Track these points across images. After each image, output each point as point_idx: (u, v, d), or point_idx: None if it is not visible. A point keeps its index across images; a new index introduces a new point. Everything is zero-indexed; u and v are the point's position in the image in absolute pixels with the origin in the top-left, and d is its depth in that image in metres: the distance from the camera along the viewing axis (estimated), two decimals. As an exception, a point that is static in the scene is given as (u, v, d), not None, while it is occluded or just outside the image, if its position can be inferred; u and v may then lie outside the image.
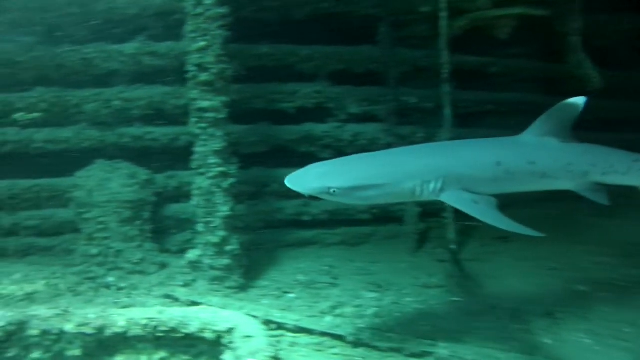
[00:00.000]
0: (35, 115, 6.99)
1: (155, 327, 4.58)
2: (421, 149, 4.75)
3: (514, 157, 4.37)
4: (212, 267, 6.03)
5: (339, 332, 5.04)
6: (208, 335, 4.52)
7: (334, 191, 4.00)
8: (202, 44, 5.70)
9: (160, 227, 6.96)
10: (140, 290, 6.11)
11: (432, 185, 4.15)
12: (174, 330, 4.57)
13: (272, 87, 7.13)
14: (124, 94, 6.83)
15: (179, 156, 6.76)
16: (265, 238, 7.19)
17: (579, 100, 4.42)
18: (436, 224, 7.23)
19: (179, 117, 6.79)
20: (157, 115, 6.98)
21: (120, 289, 6.17)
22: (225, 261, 6.01)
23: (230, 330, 4.42)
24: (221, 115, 5.87)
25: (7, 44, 6.94)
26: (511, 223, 4.05)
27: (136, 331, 4.60)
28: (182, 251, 6.75)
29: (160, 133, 6.97)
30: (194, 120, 5.93)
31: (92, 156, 6.92)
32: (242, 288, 6.10)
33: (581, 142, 4.60)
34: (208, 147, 5.87)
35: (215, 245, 5.98)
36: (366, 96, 7.27)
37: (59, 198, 7.05)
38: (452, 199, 4.21)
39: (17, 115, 6.98)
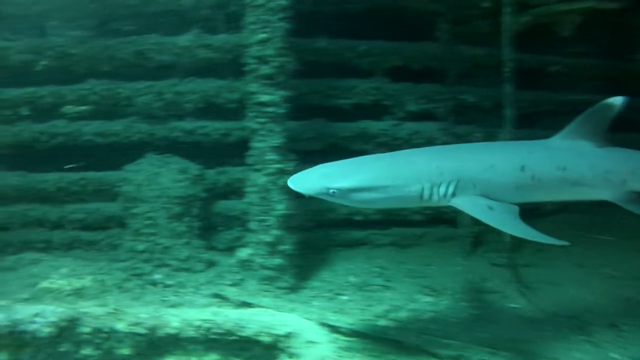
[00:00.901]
0: (82, 108, 6.91)
1: (209, 328, 4.44)
2: (436, 150, 4.40)
3: (542, 162, 4.05)
4: (263, 267, 5.87)
5: (396, 337, 4.85)
6: (264, 338, 4.36)
7: (334, 192, 3.86)
8: (263, 36, 5.56)
9: (208, 223, 6.80)
10: (188, 288, 5.98)
11: (442, 189, 3.90)
12: (229, 332, 4.43)
13: (329, 82, 6.92)
14: (176, 87, 6.68)
15: (229, 152, 6.72)
16: (315, 237, 6.97)
17: (616, 101, 4.01)
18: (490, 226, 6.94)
19: (232, 111, 6.64)
20: (211, 110, 6.82)
21: (167, 286, 6.04)
22: (278, 261, 5.86)
23: (290, 335, 4.25)
24: (281, 110, 5.73)
25: (60, 37, 6.89)
26: (531, 232, 3.78)
27: (189, 332, 4.47)
28: (229, 249, 6.64)
29: (211, 128, 6.80)
30: (252, 114, 5.79)
31: (141, 150, 6.86)
32: (293, 289, 5.94)
33: (617, 147, 4.25)
34: (266, 142, 5.72)
35: (268, 244, 5.82)
36: (425, 94, 7.03)
37: (105, 192, 6.93)
38: (465, 204, 3.92)
39: (65, 108, 6.91)
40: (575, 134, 4.16)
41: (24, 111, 6.95)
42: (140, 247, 6.33)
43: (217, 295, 5.73)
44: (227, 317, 4.45)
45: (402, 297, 5.83)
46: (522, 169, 3.97)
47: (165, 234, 6.35)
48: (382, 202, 4.03)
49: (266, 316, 4.51)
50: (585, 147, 4.16)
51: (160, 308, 4.77)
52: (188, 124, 6.83)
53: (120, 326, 4.49)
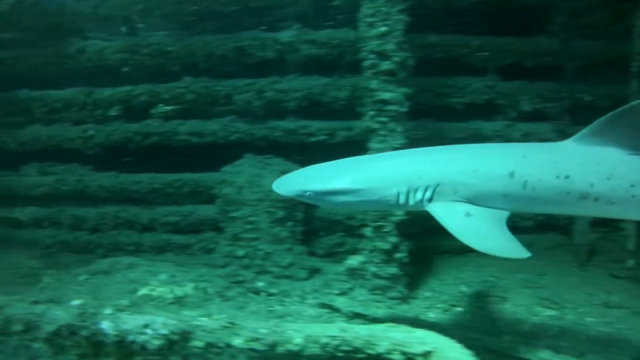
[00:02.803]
0: (169, 108, 6.71)
1: (337, 346, 4.11)
2: (423, 152, 4.01)
3: (538, 168, 3.55)
4: (376, 276, 5.55)
5: (524, 355, 4.53)
6: (396, 357, 4.00)
7: (309, 194, 3.78)
8: (383, 29, 5.27)
9: (309, 228, 6.52)
10: (293, 297, 5.73)
11: (419, 194, 3.64)
12: (357, 350, 4.09)
13: (441, 80, 6.59)
14: (278, 84, 6.41)
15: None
16: (421, 244, 6.57)
17: None
18: (608, 234, 6.47)
19: (338, 110, 6.37)
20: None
21: (270, 295, 5.78)
22: (393, 269, 5.54)
23: (428, 354, 3.89)
24: (403, 109, 5.42)
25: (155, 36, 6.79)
26: (506, 244, 3.43)
27: (313, 349, 4.15)
28: (330, 255, 6.41)
29: (316, 127, 6.53)
30: (371, 113, 5.46)
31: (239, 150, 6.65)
32: (405, 299, 5.62)
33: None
34: (387, 143, 5.38)
35: (384, 251, 5.49)
36: (539, 92, 6.61)
37: (201, 194, 6.73)
38: (439, 210, 3.66)
39: (155, 108, 6.72)
40: (599, 137, 3.57)
41: (114, 111, 6.77)
42: (240, 252, 6.11)
43: (325, 305, 5.47)
44: (356, 333, 4.10)
45: (521, 310, 5.46)
46: (512, 174, 3.55)
47: (267, 239, 6.10)
48: (358, 206, 3.89)
49: (398, 332, 4.14)
50: (610, 153, 3.56)
51: (281, 323, 4.46)
52: (290, 123, 6.58)
53: (237, 342, 4.19)
